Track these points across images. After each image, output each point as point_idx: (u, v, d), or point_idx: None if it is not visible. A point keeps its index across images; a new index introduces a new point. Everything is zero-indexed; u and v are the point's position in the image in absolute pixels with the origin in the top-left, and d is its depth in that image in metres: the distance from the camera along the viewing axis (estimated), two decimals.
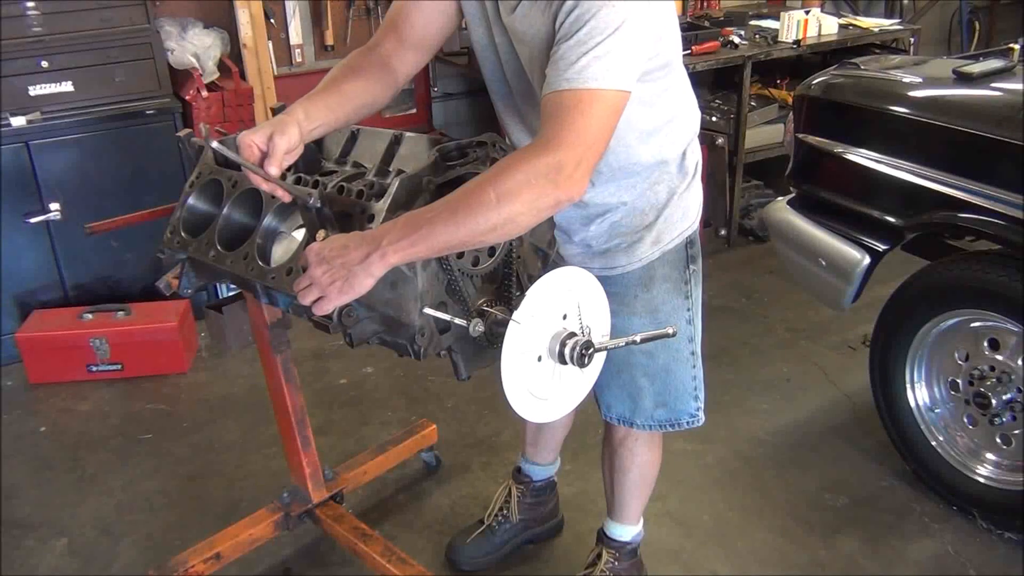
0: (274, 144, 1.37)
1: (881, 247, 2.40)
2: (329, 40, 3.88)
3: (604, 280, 1.66)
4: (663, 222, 1.66)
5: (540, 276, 1.39)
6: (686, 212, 1.69)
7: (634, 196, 1.63)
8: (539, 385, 1.41)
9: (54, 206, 3.18)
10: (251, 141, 1.38)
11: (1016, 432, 2.25)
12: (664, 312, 1.72)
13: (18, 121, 3.07)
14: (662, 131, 1.59)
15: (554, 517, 2.35)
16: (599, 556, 2.09)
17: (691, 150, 1.69)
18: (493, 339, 1.41)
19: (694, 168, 1.70)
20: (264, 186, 1.42)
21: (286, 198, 1.42)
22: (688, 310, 1.75)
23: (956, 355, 2.35)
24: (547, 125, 1.29)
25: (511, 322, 1.33)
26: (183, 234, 1.66)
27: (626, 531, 2.07)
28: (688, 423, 1.84)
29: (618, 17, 1.29)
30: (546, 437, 2.21)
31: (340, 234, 1.31)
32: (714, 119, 3.89)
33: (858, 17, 4.41)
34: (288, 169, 1.65)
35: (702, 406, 1.84)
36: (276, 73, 3.75)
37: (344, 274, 1.25)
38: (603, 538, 2.09)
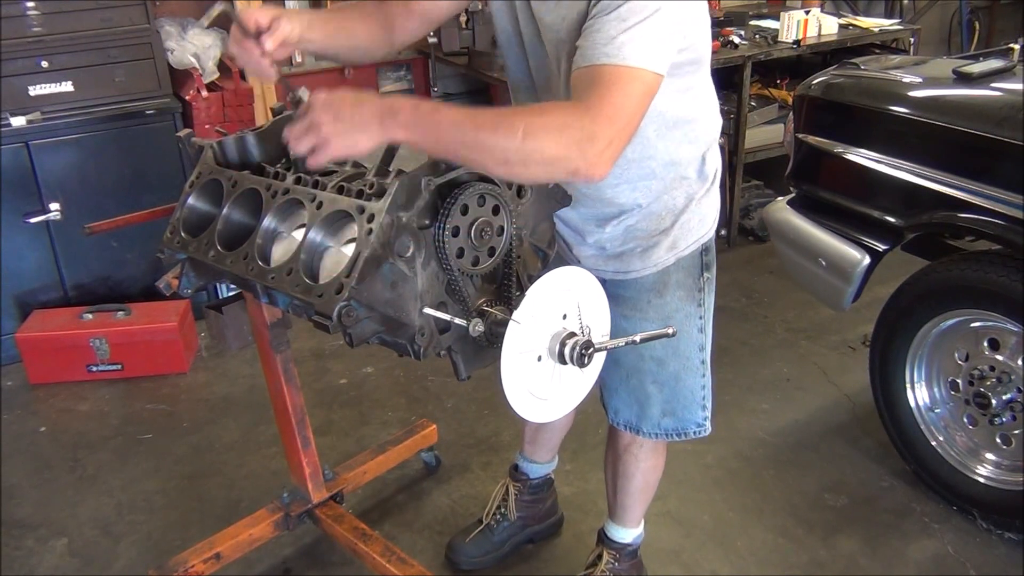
0: (279, 25, 1.41)
1: (881, 247, 2.40)
2: None
3: (618, 284, 1.66)
4: (680, 228, 1.64)
5: (540, 276, 1.39)
6: (703, 219, 1.67)
7: (650, 199, 1.61)
8: (539, 385, 1.41)
9: (54, 206, 3.18)
10: (254, 16, 1.40)
11: (1016, 432, 2.25)
12: (676, 320, 1.69)
13: (18, 121, 3.07)
14: (682, 130, 1.57)
15: (553, 515, 2.35)
16: (600, 557, 2.09)
17: (711, 155, 1.66)
18: (493, 339, 1.41)
19: (713, 174, 1.67)
20: (256, 63, 1.45)
21: (271, 75, 1.47)
22: (700, 318, 1.73)
23: (956, 355, 2.35)
24: (586, 94, 1.25)
25: (511, 322, 1.33)
26: (183, 234, 1.66)
27: (627, 533, 2.07)
28: (695, 433, 1.83)
29: (656, 1, 1.28)
30: (545, 436, 2.21)
31: (351, 91, 1.28)
32: None
33: (858, 17, 4.41)
34: (287, 168, 1.65)
35: (710, 416, 1.82)
36: None
37: (349, 128, 1.22)
38: (604, 539, 2.09)
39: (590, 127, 1.22)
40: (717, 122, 1.67)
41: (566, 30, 1.41)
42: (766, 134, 4.04)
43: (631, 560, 2.09)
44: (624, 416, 1.84)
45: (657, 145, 1.55)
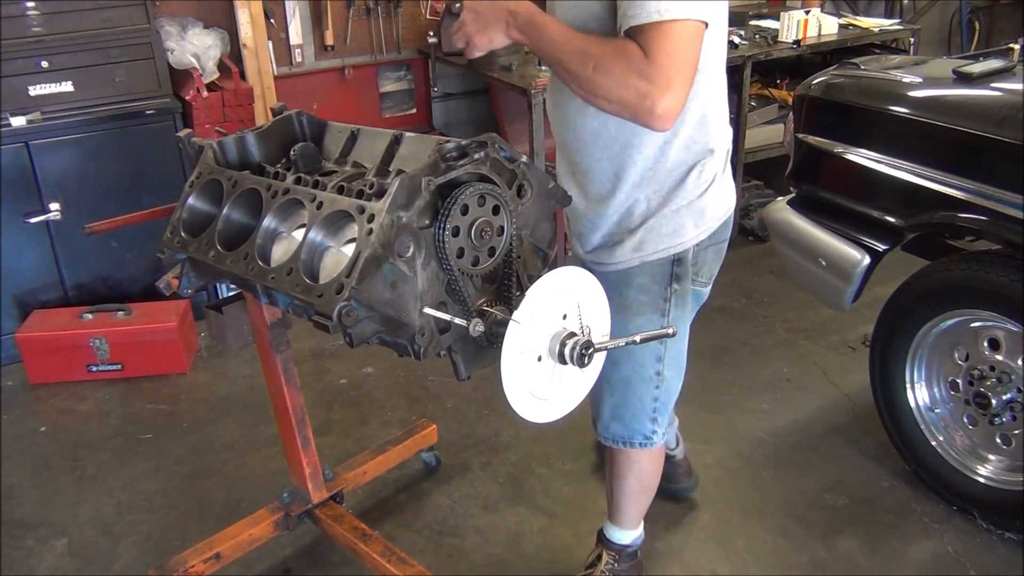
0: None
1: (881, 247, 2.40)
2: (329, 40, 3.88)
3: (594, 273, 1.68)
4: (646, 231, 1.63)
5: (540, 276, 1.39)
6: (679, 229, 1.64)
7: (625, 188, 1.62)
8: (539, 385, 1.41)
9: (54, 206, 3.18)
10: None
11: (1016, 432, 2.25)
12: (635, 324, 1.67)
13: (18, 121, 3.07)
14: (679, 135, 1.57)
15: (679, 481, 2.41)
16: (599, 557, 2.09)
17: (704, 168, 1.62)
18: (493, 339, 1.41)
19: (703, 189, 1.63)
20: None
21: None
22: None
23: (956, 355, 2.35)
24: (650, 55, 1.34)
25: (511, 322, 1.33)
26: (183, 234, 1.66)
27: (625, 535, 2.07)
28: (641, 444, 1.82)
29: None
30: None
31: None
32: None
33: (858, 17, 4.41)
34: (287, 169, 1.65)
35: (659, 431, 1.81)
36: (276, 73, 3.75)
37: (485, 25, 1.48)
38: (603, 540, 2.09)
39: (646, 92, 1.33)
40: (720, 139, 1.65)
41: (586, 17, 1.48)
42: (766, 134, 4.04)
43: (631, 561, 2.09)
44: (592, 412, 1.85)
45: (645, 140, 1.56)
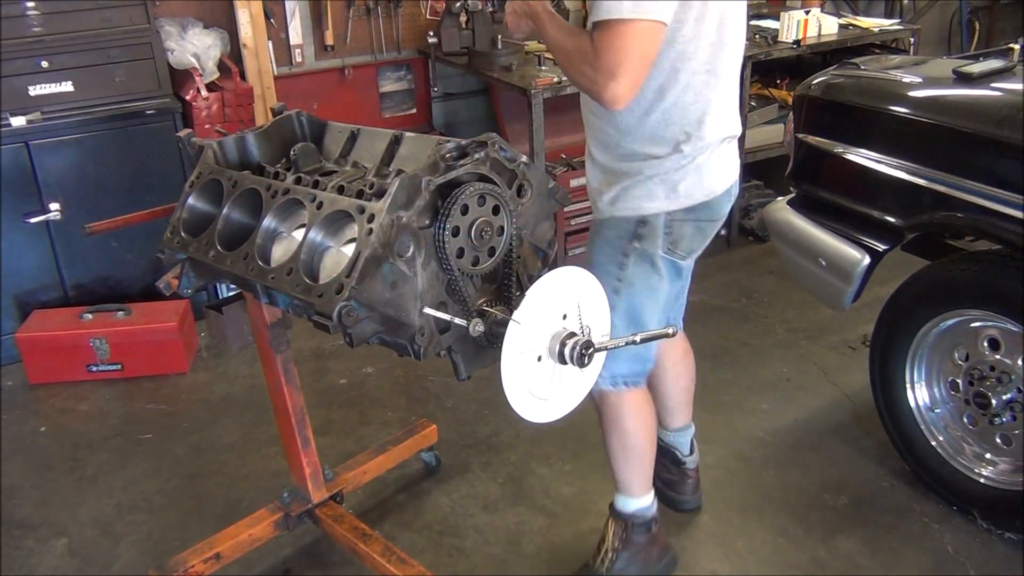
0: None
1: (881, 247, 2.40)
2: (329, 40, 3.88)
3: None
4: (621, 190, 1.80)
5: (540, 276, 1.39)
6: (648, 195, 1.78)
7: (616, 153, 1.79)
8: (539, 385, 1.41)
9: (54, 206, 3.18)
10: None
11: (1016, 432, 2.25)
12: (594, 271, 1.79)
13: (18, 121, 3.07)
14: (658, 108, 1.71)
15: (684, 492, 2.40)
16: (608, 527, 2.12)
17: (683, 147, 1.75)
18: (493, 339, 1.41)
19: (680, 165, 1.77)
20: None
21: None
22: (619, 280, 1.85)
23: (956, 355, 2.35)
24: (597, 51, 1.56)
25: (511, 322, 1.33)
26: (183, 234, 1.66)
27: (627, 502, 2.08)
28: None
29: None
30: (667, 400, 2.27)
31: None
32: None
33: (858, 17, 4.41)
34: (287, 169, 1.65)
35: (607, 375, 1.87)
36: (276, 73, 3.75)
37: (517, 16, 1.81)
38: (610, 510, 2.12)
39: (595, 80, 1.56)
40: (700, 122, 1.76)
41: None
42: (766, 134, 4.04)
43: (644, 533, 2.09)
44: None
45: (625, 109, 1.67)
